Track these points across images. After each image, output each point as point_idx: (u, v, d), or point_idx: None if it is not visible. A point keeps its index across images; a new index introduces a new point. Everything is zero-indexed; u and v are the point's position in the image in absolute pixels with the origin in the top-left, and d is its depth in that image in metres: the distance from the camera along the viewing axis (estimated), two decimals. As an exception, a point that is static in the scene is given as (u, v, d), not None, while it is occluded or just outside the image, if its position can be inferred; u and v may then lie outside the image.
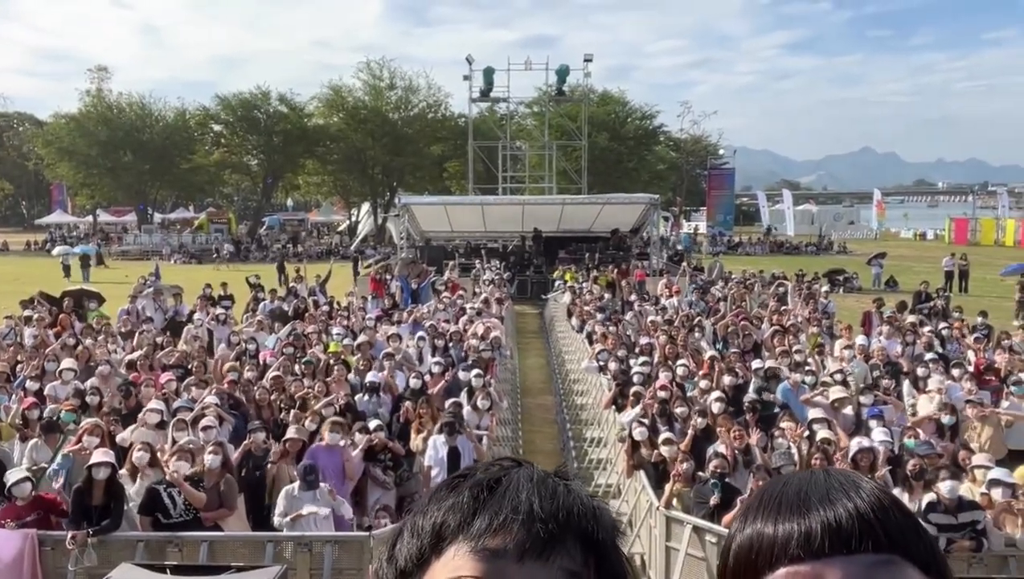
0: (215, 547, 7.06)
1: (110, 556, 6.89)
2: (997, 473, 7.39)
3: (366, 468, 8.76)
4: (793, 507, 0.85)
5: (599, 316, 17.21)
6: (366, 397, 10.55)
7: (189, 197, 72.46)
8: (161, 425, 9.19)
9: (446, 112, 62.67)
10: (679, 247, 45.06)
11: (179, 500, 7.29)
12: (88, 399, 9.96)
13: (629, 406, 10.71)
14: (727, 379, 11.03)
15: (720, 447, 8.43)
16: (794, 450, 8.42)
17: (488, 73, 40.29)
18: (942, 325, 16.22)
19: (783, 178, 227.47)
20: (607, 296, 20.90)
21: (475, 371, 11.12)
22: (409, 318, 16.41)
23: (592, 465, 11.36)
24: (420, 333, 14.41)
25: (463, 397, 10.56)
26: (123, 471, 7.83)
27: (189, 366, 12.05)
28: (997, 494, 7.15)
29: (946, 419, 9.72)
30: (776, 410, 10.07)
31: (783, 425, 9.16)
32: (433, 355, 13.10)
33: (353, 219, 65.24)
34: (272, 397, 10.31)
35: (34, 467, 8.18)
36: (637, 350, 13.49)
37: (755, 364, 11.74)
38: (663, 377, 11.26)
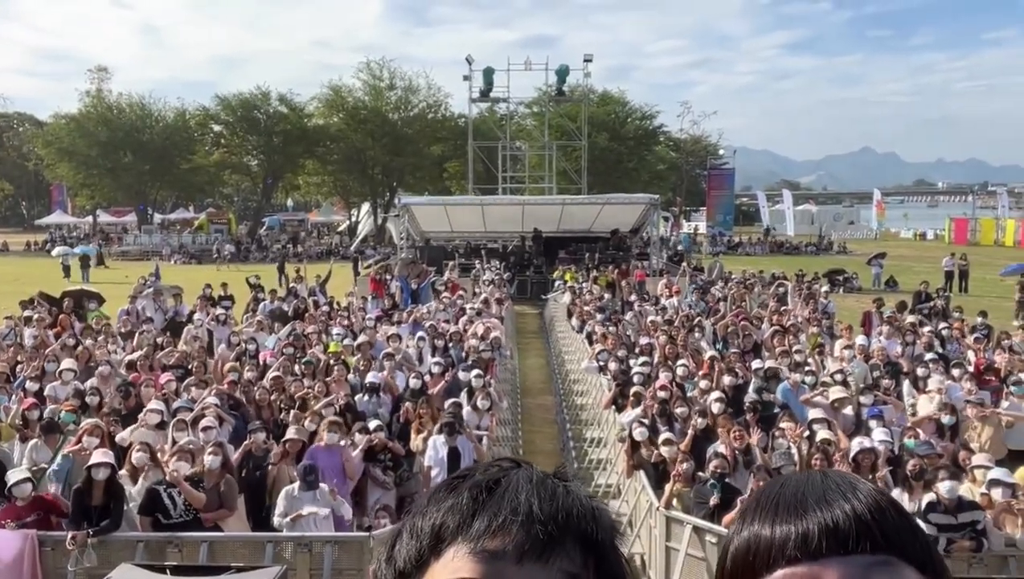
0: (215, 547, 7.06)
1: (110, 556, 6.89)
2: (997, 473, 7.39)
3: (366, 468, 8.76)
4: (790, 509, 0.85)
5: (599, 316, 17.21)
6: (366, 397, 10.54)
7: (189, 197, 72.40)
8: (161, 425, 9.18)
9: (446, 112, 62.72)
10: (679, 247, 45.06)
11: (179, 500, 7.29)
12: (88, 399, 9.95)
13: (629, 406, 10.70)
14: (727, 379, 11.03)
15: (720, 447, 8.44)
16: (794, 450, 8.42)
17: (488, 73, 40.30)
18: (942, 325, 16.21)
19: (783, 178, 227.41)
20: (607, 296, 20.90)
21: (475, 371, 11.12)
22: (409, 318, 16.42)
23: (592, 465, 11.35)
24: (420, 333, 14.42)
25: (463, 397, 10.55)
26: (123, 471, 7.84)
27: (189, 366, 12.04)
28: (997, 494, 7.15)
29: (946, 419, 9.72)
30: (776, 410, 10.06)
31: (783, 425, 9.14)
32: (433, 355, 13.10)
33: (353, 219, 65.20)
34: (272, 397, 10.30)
35: (34, 468, 8.18)
36: (637, 350, 13.50)
37: (755, 364, 11.73)
38: (663, 377, 11.26)
